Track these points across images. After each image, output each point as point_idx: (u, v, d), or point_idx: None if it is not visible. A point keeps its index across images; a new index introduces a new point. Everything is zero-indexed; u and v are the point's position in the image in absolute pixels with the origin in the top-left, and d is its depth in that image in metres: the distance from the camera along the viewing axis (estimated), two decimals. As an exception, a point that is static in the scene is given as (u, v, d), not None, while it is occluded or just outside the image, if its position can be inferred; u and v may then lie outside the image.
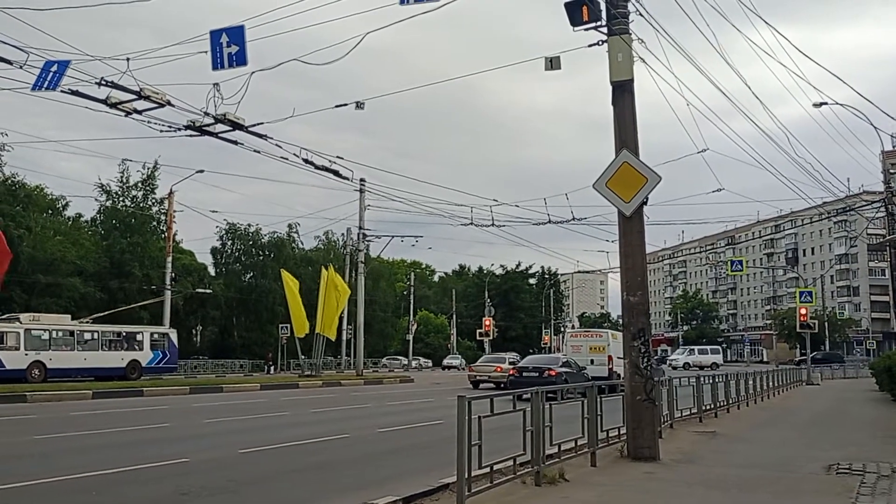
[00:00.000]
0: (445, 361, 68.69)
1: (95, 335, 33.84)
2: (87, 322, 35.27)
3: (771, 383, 27.70)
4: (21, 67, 13.22)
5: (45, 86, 13.40)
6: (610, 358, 29.72)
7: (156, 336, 37.13)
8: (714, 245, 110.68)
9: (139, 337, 36.20)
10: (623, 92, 11.18)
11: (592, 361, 30.03)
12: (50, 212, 50.51)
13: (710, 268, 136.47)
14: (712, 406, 17.72)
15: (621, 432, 11.26)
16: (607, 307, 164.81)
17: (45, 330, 31.52)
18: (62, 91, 13.68)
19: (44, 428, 14.49)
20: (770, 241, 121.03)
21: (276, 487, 8.95)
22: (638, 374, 10.77)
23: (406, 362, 66.34)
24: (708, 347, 74.19)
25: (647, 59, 12.18)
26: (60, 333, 32.34)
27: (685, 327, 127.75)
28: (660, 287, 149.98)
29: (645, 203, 11.04)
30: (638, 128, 11.28)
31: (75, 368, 31.79)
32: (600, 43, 11.19)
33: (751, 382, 23.25)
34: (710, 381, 18.20)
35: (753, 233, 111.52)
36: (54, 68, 13.38)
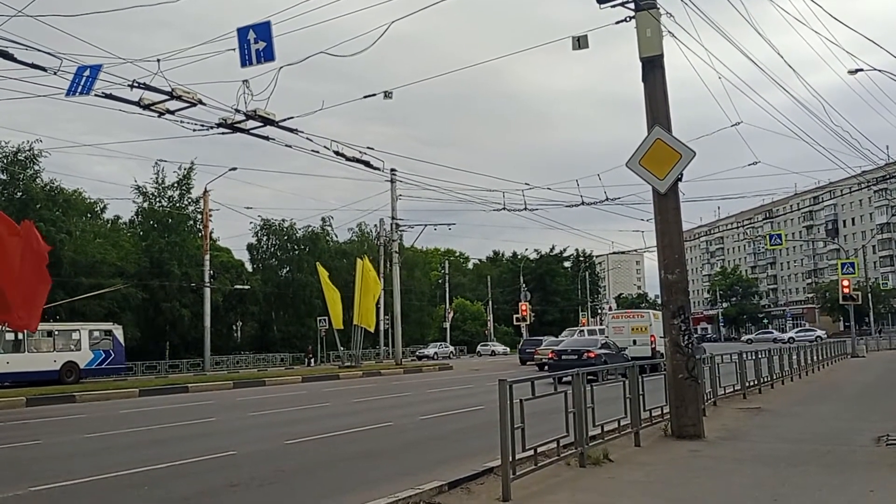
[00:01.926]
0: (479, 348, 68.95)
1: (20, 335, 29.38)
2: None
3: (815, 357, 27.30)
4: (55, 74, 13.45)
5: (79, 91, 13.62)
6: (653, 338, 29.54)
7: (96, 334, 34.20)
8: (752, 219, 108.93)
9: (76, 336, 33.17)
10: (653, 67, 11.04)
11: (635, 342, 29.90)
12: (89, 215, 51.40)
13: (749, 243, 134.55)
14: (756, 382, 17.53)
15: (664, 411, 11.21)
16: (644, 287, 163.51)
17: None
18: (96, 95, 13.90)
19: (94, 426, 14.82)
20: (809, 214, 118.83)
21: (323, 476, 9.06)
22: (679, 352, 10.68)
23: (452, 349, 66.51)
24: (597, 328, 64.47)
25: (677, 33, 12.04)
26: None
27: (724, 304, 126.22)
28: (697, 265, 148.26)
29: (680, 179, 10.93)
30: (669, 103, 11.14)
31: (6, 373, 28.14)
32: (628, 19, 11.07)
33: (795, 357, 22.94)
34: (753, 356, 17.99)
35: (791, 205, 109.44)
36: (87, 73, 13.60)
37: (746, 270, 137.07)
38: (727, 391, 15.81)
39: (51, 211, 43.10)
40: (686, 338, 10.72)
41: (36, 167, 43.39)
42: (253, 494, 8.09)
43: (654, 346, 29.40)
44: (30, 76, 14.29)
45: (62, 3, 17.36)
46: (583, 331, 45.97)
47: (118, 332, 35.15)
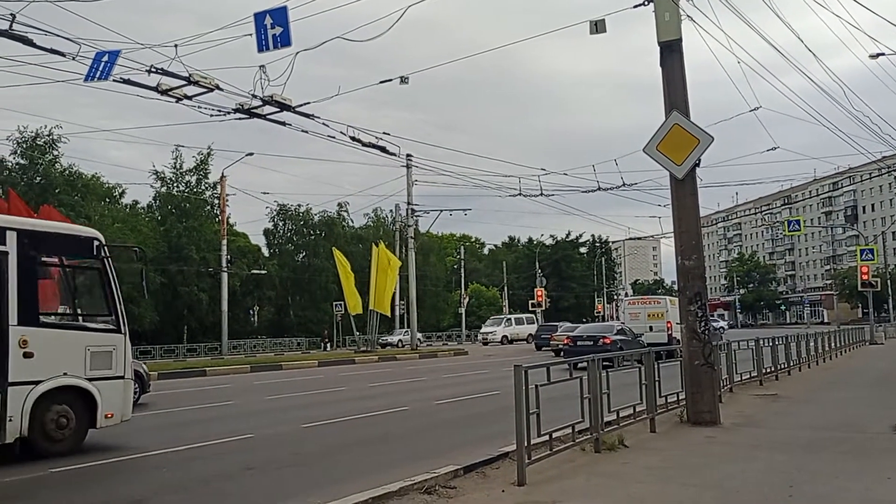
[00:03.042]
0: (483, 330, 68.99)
1: None
2: None
3: (833, 344, 27.13)
4: (74, 59, 13.50)
5: (98, 76, 13.64)
6: (670, 324, 29.48)
7: None
8: (770, 205, 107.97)
9: None
10: (671, 52, 10.95)
11: (651, 328, 29.86)
12: (107, 200, 51.84)
13: (766, 229, 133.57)
14: (773, 369, 17.46)
15: (680, 398, 11.20)
16: (661, 273, 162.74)
17: None
18: (114, 80, 13.94)
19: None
20: (828, 199, 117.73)
21: (339, 459, 9.15)
22: (696, 338, 10.65)
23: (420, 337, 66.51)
24: (524, 316, 59.12)
25: (696, 17, 11.92)
26: None
27: (742, 291, 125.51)
28: (714, 251, 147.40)
29: (697, 165, 10.87)
30: (688, 88, 11.06)
31: None
32: (646, 3, 10.99)
33: (812, 344, 22.81)
34: (770, 343, 17.91)
35: (810, 191, 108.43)
36: (105, 58, 13.60)
37: (764, 257, 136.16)
38: (744, 378, 15.76)
39: (70, 196, 43.47)
40: (703, 324, 10.69)
41: (55, 152, 43.81)
42: (270, 477, 8.19)
43: (670, 332, 29.34)
44: (48, 61, 14.36)
45: (80, -11, 17.45)
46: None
47: None
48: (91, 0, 15.09)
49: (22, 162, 43.16)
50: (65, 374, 9.43)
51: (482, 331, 52.53)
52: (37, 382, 9.12)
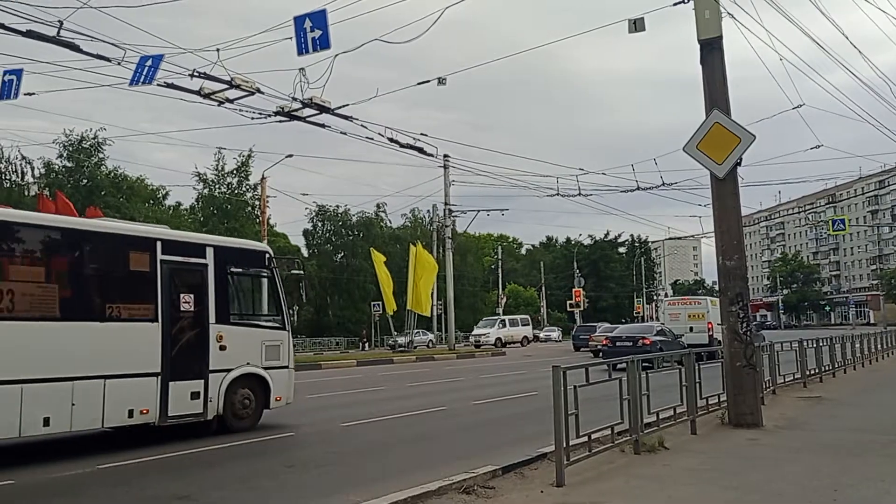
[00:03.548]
0: (543, 334, 68.72)
1: None
2: None
3: (879, 345, 26.53)
4: (119, 64, 13.81)
5: (142, 80, 13.93)
6: (710, 325, 29.14)
7: None
8: (813, 204, 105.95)
9: None
10: (711, 50, 10.83)
11: (692, 329, 29.54)
12: (151, 202, 52.79)
13: (810, 228, 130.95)
14: (817, 370, 17.15)
15: (722, 399, 11.08)
16: (701, 273, 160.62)
17: None
18: (158, 85, 14.22)
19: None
20: (874, 198, 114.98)
21: (378, 458, 9.22)
22: (737, 339, 10.53)
23: (432, 338, 66.39)
24: (518, 318, 56.36)
25: (736, 14, 11.75)
26: None
27: (785, 291, 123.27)
28: (756, 251, 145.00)
29: (739, 164, 10.74)
30: (728, 86, 10.92)
31: None
32: (686, 0, 10.87)
33: (857, 345, 22.35)
34: (814, 344, 17.60)
35: (856, 189, 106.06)
36: (149, 63, 13.89)
37: (808, 256, 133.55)
38: (787, 380, 15.51)
39: (115, 198, 44.35)
40: (744, 325, 10.56)
41: (101, 155, 44.70)
42: (310, 475, 8.30)
43: (711, 333, 28.99)
44: (93, 66, 14.72)
45: (125, -5, 17.85)
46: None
47: None
48: (134, 6, 15.44)
49: (69, 165, 44.16)
50: (248, 363, 11.51)
51: (474, 333, 51.31)
52: (228, 370, 11.20)
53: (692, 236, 58.95)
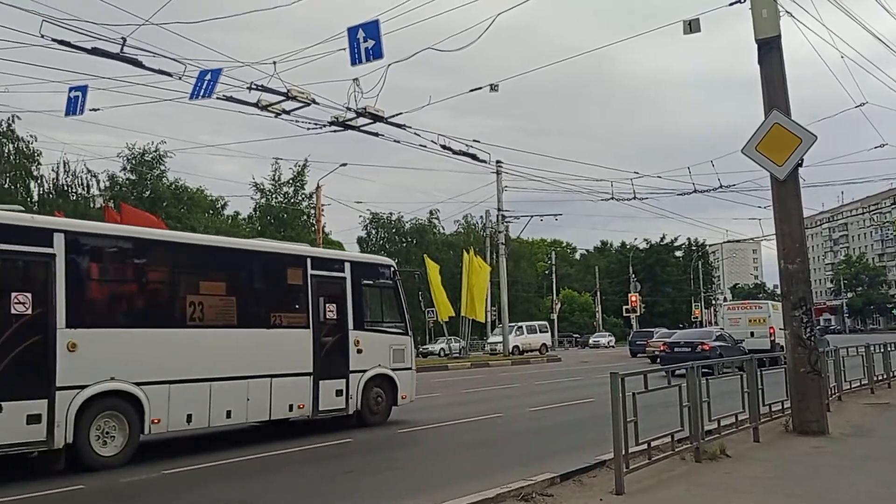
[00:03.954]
0: (592, 340, 68.02)
1: None
2: None
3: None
4: (180, 78, 14.20)
5: (201, 94, 14.26)
6: (772, 329, 28.47)
7: None
8: (878, 205, 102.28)
9: None
10: (769, 49, 10.61)
11: (752, 334, 28.92)
12: (211, 212, 53.94)
13: (875, 229, 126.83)
14: (885, 376, 16.62)
15: (785, 406, 10.82)
16: (761, 277, 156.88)
17: None
18: (217, 98, 14.56)
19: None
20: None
21: (434, 465, 9.26)
22: (801, 345, 10.27)
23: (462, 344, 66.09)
24: (537, 324, 52.48)
25: (795, 12, 11.49)
26: None
27: (849, 294, 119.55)
28: (819, 253, 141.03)
29: (800, 165, 10.50)
30: (787, 85, 10.69)
31: None
32: (742, 0, 10.68)
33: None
34: (882, 349, 17.04)
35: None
36: (208, 77, 14.21)
37: (873, 258, 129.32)
38: (853, 386, 15.05)
39: (176, 209, 45.43)
40: (808, 330, 10.29)
41: (162, 167, 45.87)
42: (367, 481, 8.39)
43: (773, 338, 28.31)
44: (155, 81, 15.17)
45: (183, 10, 18.33)
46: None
47: None
48: (193, 22, 15.84)
49: (132, 177, 45.44)
50: (379, 365, 12.97)
51: (489, 341, 49.91)
52: (364, 371, 12.66)
53: (751, 239, 57.77)
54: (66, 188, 41.13)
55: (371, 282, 13.42)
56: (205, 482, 8.55)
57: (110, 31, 14.36)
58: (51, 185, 40.87)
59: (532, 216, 44.20)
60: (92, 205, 41.33)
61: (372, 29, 12.88)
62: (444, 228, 71.23)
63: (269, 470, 9.11)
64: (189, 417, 10.01)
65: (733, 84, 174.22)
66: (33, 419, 8.48)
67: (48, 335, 8.73)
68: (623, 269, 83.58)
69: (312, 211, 50.65)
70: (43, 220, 9.67)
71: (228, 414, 10.47)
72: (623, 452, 6.95)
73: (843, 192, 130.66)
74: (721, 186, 27.23)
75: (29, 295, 8.68)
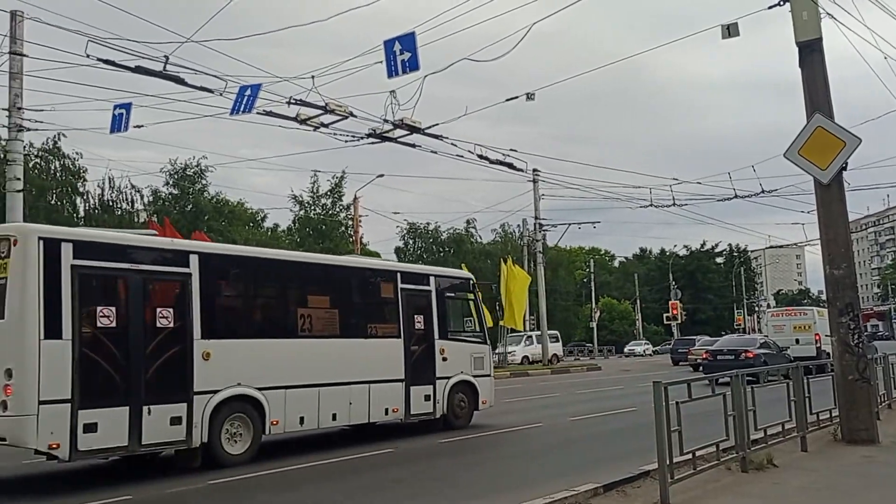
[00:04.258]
0: (627, 349, 67.48)
1: None
2: None
3: None
4: (221, 94, 14.46)
5: (242, 109, 14.51)
6: (818, 336, 27.92)
7: None
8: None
9: None
10: (811, 52, 10.46)
11: (797, 341, 28.38)
12: (251, 224, 54.68)
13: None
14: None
15: (833, 415, 10.60)
16: (805, 283, 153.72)
17: None
18: (257, 113, 14.80)
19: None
20: None
21: (476, 475, 9.26)
22: (849, 352, 10.06)
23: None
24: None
25: (836, 14, 11.29)
26: None
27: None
28: (865, 257, 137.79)
29: (844, 168, 10.32)
30: (830, 87, 10.52)
31: None
32: (782, 3, 10.55)
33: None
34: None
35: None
36: (248, 92, 14.46)
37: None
38: (904, 394, 14.66)
39: (218, 222, 46.17)
40: (856, 337, 10.08)
41: (203, 181, 46.69)
42: (413, 489, 8.42)
43: (818, 345, 27.77)
44: (196, 97, 15.47)
45: (222, 26, 18.69)
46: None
47: None
48: (233, 39, 16.13)
49: (174, 192, 46.32)
50: (461, 372, 13.75)
51: (496, 351, 48.69)
52: (449, 377, 13.45)
53: (795, 244, 56.62)
54: (111, 203, 42.06)
55: (453, 294, 14.36)
56: (249, 491, 8.68)
57: (152, 50, 14.67)
58: (96, 201, 41.83)
59: (570, 224, 43.91)
60: (136, 219, 42.17)
61: (408, 41, 12.99)
62: (481, 238, 71.19)
63: (310, 480, 9.20)
64: (301, 419, 10.96)
65: (773, 86, 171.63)
66: (175, 421, 9.41)
67: (187, 345, 9.69)
68: (663, 276, 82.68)
69: (350, 222, 51.03)
70: (181, 243, 10.83)
71: (334, 416, 11.45)
72: (667, 462, 6.87)
73: (888, 196, 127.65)
74: (763, 191, 26.83)
75: (171, 310, 9.65)
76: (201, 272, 10.01)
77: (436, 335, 13.38)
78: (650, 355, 62.89)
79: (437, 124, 17.28)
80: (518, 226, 61.83)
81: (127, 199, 43.09)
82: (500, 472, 9.43)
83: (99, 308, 9.00)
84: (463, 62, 14.55)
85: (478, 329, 14.66)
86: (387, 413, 12.36)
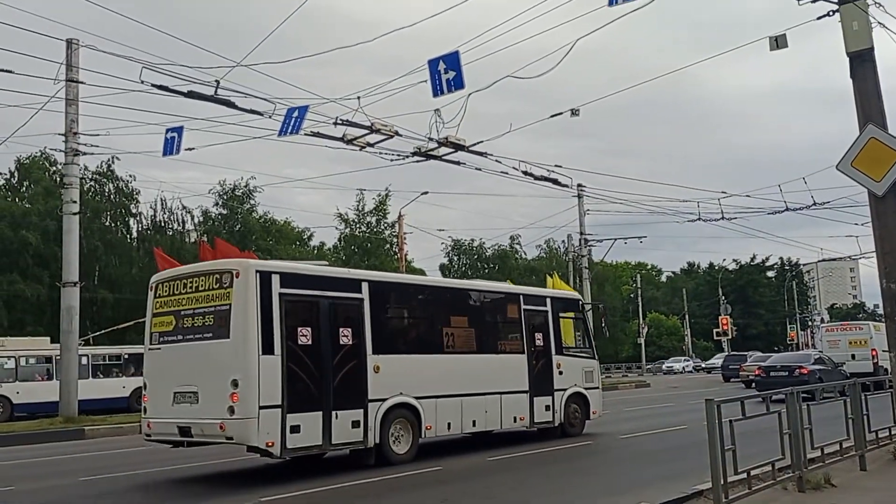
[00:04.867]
0: (665, 366, 66.54)
1: (84, 360, 25.68)
2: (79, 344, 26.42)
3: None
4: (270, 117, 14.74)
5: (289, 131, 14.73)
6: (874, 352, 27.17)
7: None
8: None
9: None
10: (862, 62, 10.26)
11: (853, 357, 27.65)
12: (298, 243, 55.47)
13: None
14: None
15: (893, 432, 10.31)
16: (860, 297, 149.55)
17: (8, 357, 25.99)
18: (304, 134, 15.03)
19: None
20: None
21: (527, 494, 9.19)
22: (908, 368, 9.77)
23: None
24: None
25: (886, 22, 11.06)
26: (32, 361, 26.88)
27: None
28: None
29: (900, 180, 10.03)
30: (883, 98, 10.29)
31: (55, 402, 23.60)
32: (831, 13, 10.38)
33: None
34: None
35: None
36: (295, 114, 14.68)
37: None
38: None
39: (265, 241, 46.96)
40: (915, 352, 9.79)
41: (252, 202, 47.59)
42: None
43: (875, 360, 27.00)
44: (245, 120, 15.80)
45: (270, 49, 19.09)
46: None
47: None
48: (281, 62, 16.46)
49: (224, 212, 47.25)
50: (575, 384, 14.96)
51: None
52: (564, 390, 14.67)
53: (849, 257, 55.12)
54: (163, 224, 43.08)
55: (565, 313, 15.55)
56: (462, 479, 10.07)
57: (204, 74, 15.05)
58: (149, 222, 42.88)
59: (616, 239, 43.40)
60: (187, 240, 43.07)
61: (452, 60, 13.08)
62: (525, 254, 71.07)
63: (356, 496, 9.28)
64: (448, 425, 12.43)
65: (822, 96, 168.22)
66: (355, 424, 10.94)
67: (362, 360, 11.24)
68: (712, 290, 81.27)
69: (395, 239, 51.33)
70: (355, 272, 12.80)
71: (473, 423, 12.85)
72: (721, 482, 6.75)
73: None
74: (815, 203, 26.24)
75: (350, 329, 11.20)
76: (371, 297, 11.62)
77: (553, 351, 14.62)
78: (689, 372, 61.76)
79: (481, 141, 17.34)
80: (563, 241, 61.62)
81: (178, 220, 44.10)
82: (550, 490, 9.35)
83: (299, 328, 10.56)
84: (507, 78, 14.58)
85: (587, 345, 15.86)
86: (515, 421, 13.66)
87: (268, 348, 10.07)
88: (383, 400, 11.33)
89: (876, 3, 10.36)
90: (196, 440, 10.42)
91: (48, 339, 28.53)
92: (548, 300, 15.18)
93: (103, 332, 30.22)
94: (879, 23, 10.46)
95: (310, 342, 10.63)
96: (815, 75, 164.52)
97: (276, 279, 10.43)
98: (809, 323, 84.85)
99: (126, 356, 29.01)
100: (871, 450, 9.74)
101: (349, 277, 12.00)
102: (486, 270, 67.12)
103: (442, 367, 12.57)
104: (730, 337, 62.45)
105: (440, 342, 12.76)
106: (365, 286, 11.68)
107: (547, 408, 14.26)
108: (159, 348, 11.01)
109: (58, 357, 25.72)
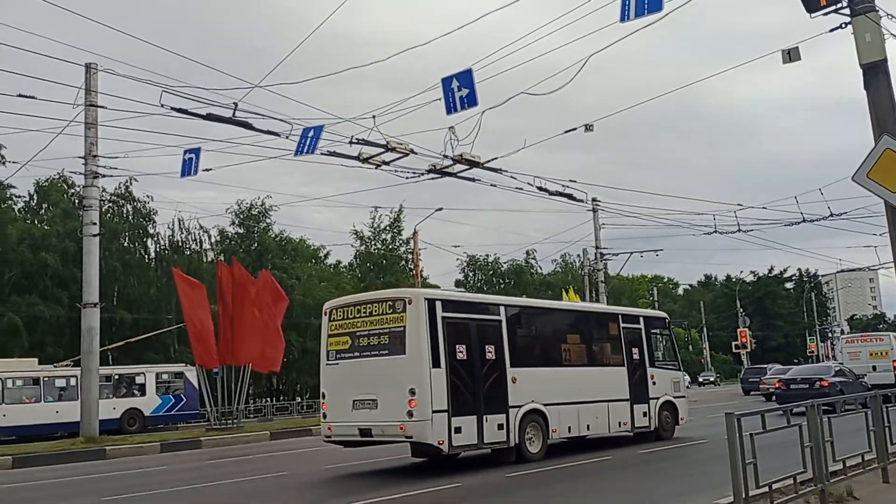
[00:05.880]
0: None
1: (73, 381, 26.16)
2: (67, 365, 28.15)
3: None
4: (287, 137, 14.89)
5: (305, 150, 14.88)
6: (895, 364, 26.89)
7: (165, 377, 30.93)
8: None
9: (140, 380, 29.94)
10: (876, 73, 10.26)
11: (874, 368, 27.40)
12: (314, 261, 55.67)
13: None
14: None
15: (916, 445, 10.17)
16: (880, 307, 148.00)
17: None
18: (320, 153, 15.16)
19: (279, 465, 15.95)
20: None
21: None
22: (930, 379, 9.69)
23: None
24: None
25: (900, 33, 11.05)
26: (19, 382, 26.84)
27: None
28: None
29: (916, 190, 9.99)
30: (898, 109, 10.27)
31: (43, 424, 24.93)
32: (843, 26, 10.40)
33: None
34: None
35: None
36: (311, 134, 14.83)
37: None
38: None
39: (282, 259, 47.13)
40: (937, 363, 9.72)
41: (268, 220, 47.85)
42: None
43: (897, 371, 26.74)
44: (260, 140, 15.96)
45: (285, 69, 19.31)
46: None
47: (191, 374, 30.51)
48: (296, 82, 16.61)
49: (240, 231, 47.55)
50: (665, 394, 16.73)
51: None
52: (657, 399, 16.44)
53: (867, 268, 54.65)
54: (180, 244, 43.42)
55: (655, 330, 17.33)
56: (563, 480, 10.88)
57: (220, 96, 15.25)
58: (166, 242, 43.24)
59: (632, 253, 43.26)
60: (204, 259, 43.35)
61: (465, 78, 13.20)
62: (541, 268, 70.92)
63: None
64: (569, 429, 14.27)
65: (839, 106, 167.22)
66: (500, 427, 12.82)
67: (503, 372, 13.17)
68: (730, 303, 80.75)
69: (410, 256, 51.43)
70: (494, 298, 15.97)
71: (588, 427, 14.60)
72: (743, 496, 6.72)
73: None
74: (832, 214, 26.10)
75: (493, 346, 13.20)
76: (507, 318, 13.60)
77: (647, 363, 16.37)
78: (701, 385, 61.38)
79: (495, 158, 17.39)
80: (578, 255, 61.49)
81: (196, 240, 44.44)
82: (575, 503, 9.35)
83: (457, 346, 12.52)
84: (520, 94, 14.66)
85: (674, 358, 17.66)
86: (619, 426, 15.32)
87: (436, 362, 12.03)
88: (520, 406, 13.18)
89: (889, 14, 10.38)
90: (376, 440, 12.45)
91: (36, 360, 28.76)
92: (641, 318, 17.07)
93: (112, 346, 30.87)
94: (892, 34, 10.48)
95: (465, 357, 12.59)
96: (830, 86, 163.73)
97: (439, 305, 12.46)
98: (829, 334, 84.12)
99: (116, 377, 29.40)
100: (894, 462, 9.63)
101: (490, 302, 14.29)
102: (502, 286, 67.06)
103: (562, 378, 14.36)
104: (749, 349, 61.96)
105: (560, 356, 14.71)
106: (502, 309, 13.72)
107: (644, 414, 15.91)
108: (337, 363, 13.02)
109: (45, 378, 27.31)
